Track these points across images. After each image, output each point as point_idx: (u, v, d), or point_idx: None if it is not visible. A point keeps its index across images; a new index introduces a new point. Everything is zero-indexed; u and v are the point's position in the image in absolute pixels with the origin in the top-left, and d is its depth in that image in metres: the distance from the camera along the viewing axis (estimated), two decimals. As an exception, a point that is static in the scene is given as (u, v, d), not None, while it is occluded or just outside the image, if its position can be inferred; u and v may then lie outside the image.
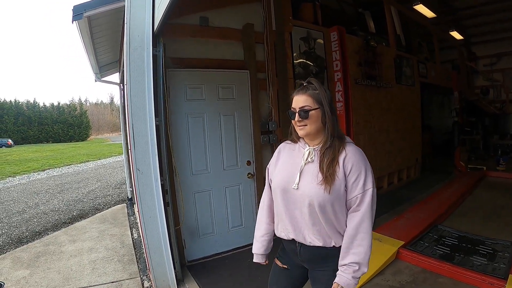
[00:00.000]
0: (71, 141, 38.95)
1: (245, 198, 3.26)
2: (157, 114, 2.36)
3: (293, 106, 1.26)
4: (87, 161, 14.03)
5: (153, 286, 2.68)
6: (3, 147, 29.04)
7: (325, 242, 1.26)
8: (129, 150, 2.31)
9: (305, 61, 3.89)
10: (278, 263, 1.45)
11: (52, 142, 38.50)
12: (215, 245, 3.13)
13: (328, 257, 1.28)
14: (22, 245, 4.27)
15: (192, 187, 2.97)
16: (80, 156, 16.07)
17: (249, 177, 3.25)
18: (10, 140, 32.37)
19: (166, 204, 2.43)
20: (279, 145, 1.45)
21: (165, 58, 2.55)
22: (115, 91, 78.14)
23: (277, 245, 1.49)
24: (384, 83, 4.93)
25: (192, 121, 2.95)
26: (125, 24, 2.39)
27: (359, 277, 1.21)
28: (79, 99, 55.13)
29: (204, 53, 3.05)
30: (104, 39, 4.24)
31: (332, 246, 1.26)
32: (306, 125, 1.24)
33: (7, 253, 4.04)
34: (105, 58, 5.01)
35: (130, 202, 5.66)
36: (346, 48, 4.05)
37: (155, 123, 2.34)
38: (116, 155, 15.72)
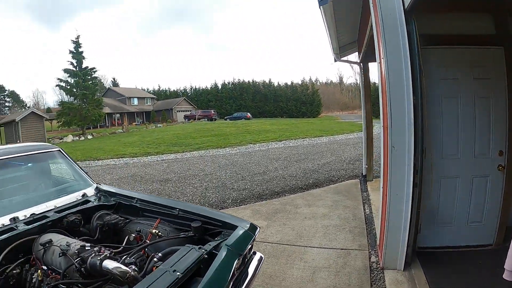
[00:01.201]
0: (303, 117, 42.51)
1: (491, 192, 2.80)
2: (414, 93, 2.25)
3: None
4: (321, 136, 14.75)
5: (380, 262, 2.70)
6: (243, 119, 35.25)
7: None
8: (384, 127, 2.34)
9: None
10: None
11: (286, 117, 43.47)
12: (449, 237, 2.85)
13: None
14: (262, 201, 5.07)
15: (439, 172, 2.75)
16: (313, 131, 17.06)
17: (499, 169, 2.74)
18: (249, 114, 39.28)
19: (414, 185, 2.36)
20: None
21: (418, 35, 2.38)
22: (345, 72, 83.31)
23: None
24: None
25: (445, 101, 2.70)
26: (371, 5, 2.39)
27: None
28: (309, 78, 59.96)
29: (456, 28, 2.69)
30: (344, 22, 4.40)
31: None
32: None
33: (248, 205, 4.92)
34: (343, 39, 5.20)
35: (364, 178, 5.78)
36: None
37: (412, 102, 2.23)
38: (348, 133, 15.88)
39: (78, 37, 29.54)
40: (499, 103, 2.67)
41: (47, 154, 2.88)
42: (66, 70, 29.38)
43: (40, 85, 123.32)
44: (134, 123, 39.89)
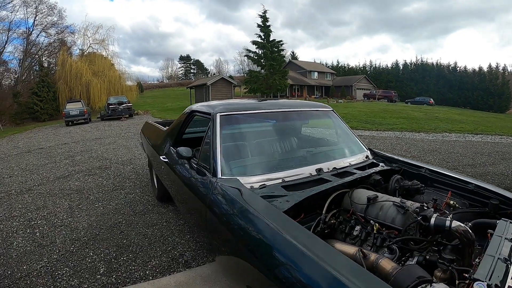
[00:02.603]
0: (489, 111, 36.37)
1: None
2: None
3: None
4: None
5: None
6: (425, 105, 31.40)
7: None
8: None
9: None
10: None
11: (470, 108, 37.66)
12: None
13: None
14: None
15: None
16: (508, 129, 14.32)
17: None
18: (431, 100, 35.01)
19: None
20: None
21: None
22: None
23: None
24: None
25: None
26: None
27: None
28: (497, 65, 47.76)
29: None
30: None
31: None
32: None
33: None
34: None
35: None
36: None
37: None
38: None
39: (265, 12, 32.23)
40: None
41: (326, 112, 2.97)
42: (254, 42, 32.68)
43: (223, 55, 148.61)
44: (313, 96, 41.58)
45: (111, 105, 19.97)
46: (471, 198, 2.08)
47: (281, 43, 32.94)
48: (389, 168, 2.45)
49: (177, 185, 2.86)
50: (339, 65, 55.64)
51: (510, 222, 1.57)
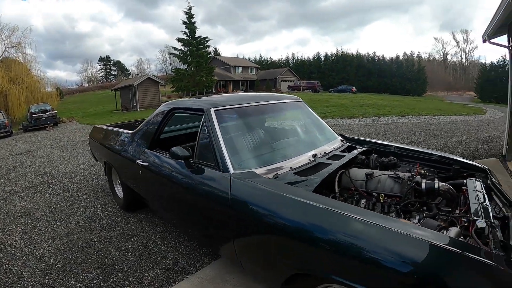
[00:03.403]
0: (407, 95, 40.11)
1: None
2: None
3: None
4: (439, 115, 14.09)
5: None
6: (348, 93, 34.31)
7: None
8: None
9: None
10: None
11: (389, 94, 40.79)
12: None
13: None
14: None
15: None
16: (429, 110, 16.23)
17: None
18: (354, 88, 37.98)
19: None
20: None
21: None
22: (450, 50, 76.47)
23: None
24: None
25: None
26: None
27: None
28: (411, 53, 55.48)
29: None
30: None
31: None
32: None
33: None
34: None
35: (504, 158, 5.92)
36: None
37: None
38: (465, 114, 15.07)
39: (190, 8, 31.44)
40: None
41: (297, 104, 3.14)
42: (179, 39, 31.58)
43: (143, 55, 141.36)
44: (238, 91, 41.63)
45: (34, 114, 17.84)
46: (436, 166, 2.47)
47: (206, 39, 32.59)
48: (366, 148, 2.74)
49: (166, 190, 2.68)
50: (262, 59, 57.30)
51: (476, 180, 2.01)
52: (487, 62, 40.56)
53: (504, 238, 1.48)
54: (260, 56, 60.95)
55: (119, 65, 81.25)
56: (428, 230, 1.37)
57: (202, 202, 2.17)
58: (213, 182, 2.07)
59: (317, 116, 3.24)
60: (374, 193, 2.05)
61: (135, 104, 25.98)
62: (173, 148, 2.22)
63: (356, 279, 1.35)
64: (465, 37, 64.33)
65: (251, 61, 55.70)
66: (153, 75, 33.29)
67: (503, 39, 5.89)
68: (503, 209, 1.82)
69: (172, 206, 2.78)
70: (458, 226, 1.62)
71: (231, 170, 1.99)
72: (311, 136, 2.95)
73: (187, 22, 31.49)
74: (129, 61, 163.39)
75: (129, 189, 3.53)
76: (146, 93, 26.86)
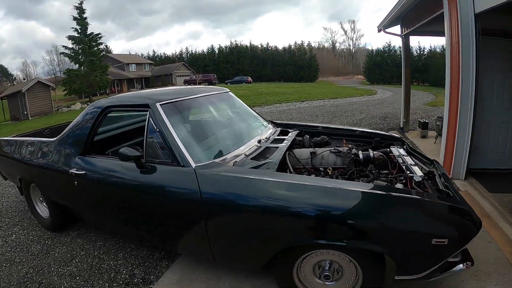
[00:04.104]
0: (300, 82, 42.25)
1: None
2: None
3: None
4: (336, 98, 15.46)
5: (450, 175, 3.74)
6: (244, 83, 35.18)
7: None
8: (452, 86, 3.64)
9: None
10: None
11: (284, 81, 42.72)
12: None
13: None
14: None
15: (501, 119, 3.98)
16: (326, 94, 17.67)
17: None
18: (249, 78, 39.19)
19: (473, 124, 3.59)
20: None
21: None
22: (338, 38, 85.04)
23: None
24: None
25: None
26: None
27: None
28: (302, 42, 61.14)
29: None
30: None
31: None
32: None
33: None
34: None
35: (402, 130, 7.01)
36: None
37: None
38: (358, 96, 16.79)
39: (81, 3, 27.83)
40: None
41: (227, 94, 3.24)
42: (70, 37, 27.79)
43: (28, 57, 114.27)
44: (133, 90, 38.79)
45: None
46: (359, 140, 2.88)
47: (99, 36, 29.55)
48: (298, 131, 3.00)
49: (113, 197, 2.43)
50: (156, 55, 54.73)
51: (397, 147, 2.47)
52: (373, 49, 46.44)
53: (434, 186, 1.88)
54: (154, 51, 57.25)
55: (2, 69, 67.13)
56: (361, 183, 1.84)
57: (163, 201, 2.05)
58: (175, 179, 1.99)
59: (245, 104, 3.36)
60: (320, 168, 2.30)
61: (25, 112, 22.02)
62: (122, 149, 2.01)
63: (336, 238, 1.65)
64: (352, 27, 73.45)
65: (145, 57, 52.61)
66: (43, 79, 28.92)
67: (396, 29, 6.97)
68: (425, 166, 2.25)
69: (120, 213, 2.49)
70: (399, 183, 1.96)
71: (193, 164, 1.93)
72: (249, 123, 3.06)
73: (79, 18, 27.85)
74: (12, 65, 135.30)
75: (57, 205, 3.04)
76: (37, 99, 23.39)
